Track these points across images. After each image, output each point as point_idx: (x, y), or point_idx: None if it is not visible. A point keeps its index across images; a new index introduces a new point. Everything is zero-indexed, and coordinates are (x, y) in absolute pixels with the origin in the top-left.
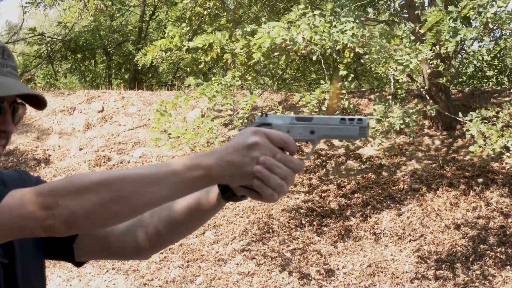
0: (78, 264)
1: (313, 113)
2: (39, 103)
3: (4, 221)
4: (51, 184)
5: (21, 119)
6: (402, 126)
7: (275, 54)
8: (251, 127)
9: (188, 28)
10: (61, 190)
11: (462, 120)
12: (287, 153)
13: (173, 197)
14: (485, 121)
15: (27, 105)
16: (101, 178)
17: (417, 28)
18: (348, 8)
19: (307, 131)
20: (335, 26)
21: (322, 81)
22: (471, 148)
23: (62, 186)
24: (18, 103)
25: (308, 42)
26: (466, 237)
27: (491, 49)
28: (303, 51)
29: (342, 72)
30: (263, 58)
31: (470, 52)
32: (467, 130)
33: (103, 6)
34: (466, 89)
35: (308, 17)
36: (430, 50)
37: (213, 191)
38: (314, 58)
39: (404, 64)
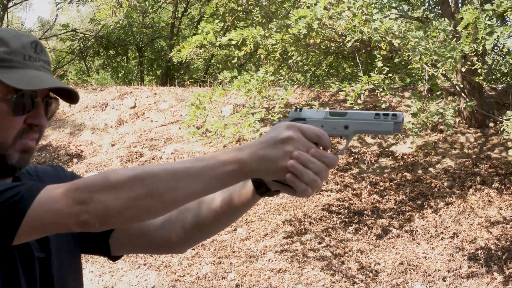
0: (114, 258)
1: (354, 106)
2: (71, 97)
3: (39, 216)
4: (85, 180)
5: (54, 113)
6: (440, 120)
7: (310, 41)
8: (285, 121)
9: (222, 24)
10: (95, 185)
11: (498, 119)
12: (321, 148)
13: (207, 192)
14: None
15: (60, 100)
16: (135, 174)
17: (452, 26)
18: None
19: (341, 126)
20: (377, 13)
21: (359, 74)
22: (510, 152)
23: (97, 181)
24: (51, 97)
25: (346, 30)
26: (500, 235)
27: None
28: (339, 39)
29: (378, 65)
30: (296, 48)
31: (506, 49)
32: (504, 130)
33: (136, 2)
34: (500, 86)
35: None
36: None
37: (247, 186)
38: (349, 44)
39: (446, 57)
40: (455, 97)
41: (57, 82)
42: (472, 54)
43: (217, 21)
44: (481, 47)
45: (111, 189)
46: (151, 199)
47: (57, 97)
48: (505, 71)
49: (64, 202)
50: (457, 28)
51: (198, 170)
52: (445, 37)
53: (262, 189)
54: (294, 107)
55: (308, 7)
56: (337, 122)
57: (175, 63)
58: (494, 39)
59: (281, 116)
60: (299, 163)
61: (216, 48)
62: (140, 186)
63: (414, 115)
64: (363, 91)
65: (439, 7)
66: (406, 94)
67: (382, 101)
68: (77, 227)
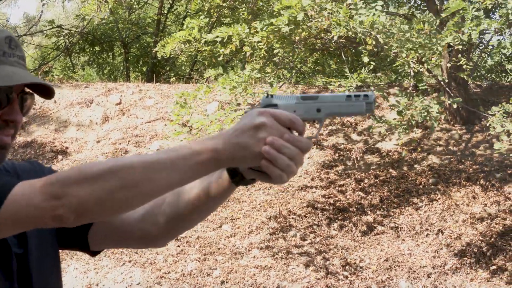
0: (93, 253)
1: None
2: (47, 92)
3: (13, 212)
4: (59, 174)
5: (29, 109)
6: (427, 118)
7: (295, 38)
8: (257, 108)
9: (207, 20)
10: (69, 179)
11: (484, 114)
12: (295, 133)
13: (183, 182)
14: (506, 115)
15: (38, 96)
16: (109, 166)
17: (437, 22)
18: None
19: (314, 110)
20: (362, 8)
21: (345, 71)
22: (496, 146)
23: (71, 175)
24: (26, 93)
25: (331, 23)
26: (484, 232)
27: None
28: (325, 34)
29: (365, 60)
30: (282, 45)
31: (491, 45)
32: (490, 125)
33: None
34: (485, 83)
35: None
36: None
37: (223, 176)
38: (335, 38)
39: (431, 47)
40: (440, 92)
41: (33, 77)
42: (457, 44)
43: (202, 17)
44: (466, 38)
45: (85, 182)
46: (126, 191)
47: (32, 92)
48: (492, 63)
49: (38, 197)
50: (442, 19)
51: (173, 160)
52: (430, 29)
53: (237, 178)
54: (265, 94)
55: None
56: (309, 106)
57: (160, 58)
58: (481, 30)
59: None
60: (273, 148)
61: (201, 44)
62: (115, 178)
63: (399, 113)
64: (352, 88)
65: (424, 4)
66: (392, 90)
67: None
68: (52, 221)
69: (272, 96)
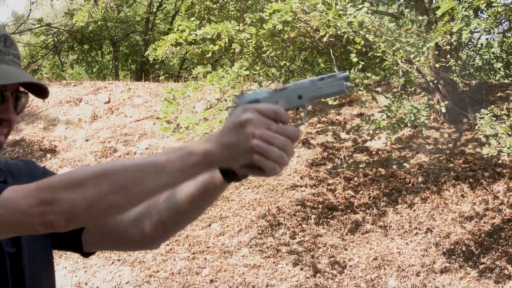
0: (86, 254)
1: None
2: (41, 92)
3: (2, 216)
4: (49, 179)
5: (23, 108)
6: (413, 120)
7: (284, 36)
8: (240, 106)
9: (198, 22)
10: (60, 184)
11: (472, 116)
12: (281, 124)
13: (174, 184)
14: (494, 118)
15: (30, 95)
16: (99, 170)
17: (426, 21)
18: None
19: (295, 97)
20: (351, 7)
21: (334, 70)
22: (485, 150)
23: (61, 180)
24: (20, 92)
25: (321, 24)
26: (473, 230)
27: (502, 41)
28: (314, 33)
29: (353, 59)
30: (271, 43)
31: (479, 44)
32: (479, 128)
33: (113, 4)
34: (473, 82)
35: None
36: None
37: (215, 174)
38: (325, 39)
39: (418, 48)
40: (430, 95)
41: (28, 76)
42: (445, 45)
43: (192, 18)
44: (455, 39)
45: (76, 187)
46: (117, 194)
47: (26, 91)
48: (479, 64)
49: (28, 202)
50: (430, 19)
51: (164, 163)
52: (418, 28)
53: (229, 175)
54: (240, 91)
55: (282, 0)
56: (290, 95)
57: (152, 61)
58: (471, 30)
59: None
60: (263, 141)
61: (192, 46)
62: (106, 182)
63: (389, 117)
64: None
65: (413, 3)
66: (379, 89)
67: (359, 100)
68: (42, 227)
69: (242, 92)
